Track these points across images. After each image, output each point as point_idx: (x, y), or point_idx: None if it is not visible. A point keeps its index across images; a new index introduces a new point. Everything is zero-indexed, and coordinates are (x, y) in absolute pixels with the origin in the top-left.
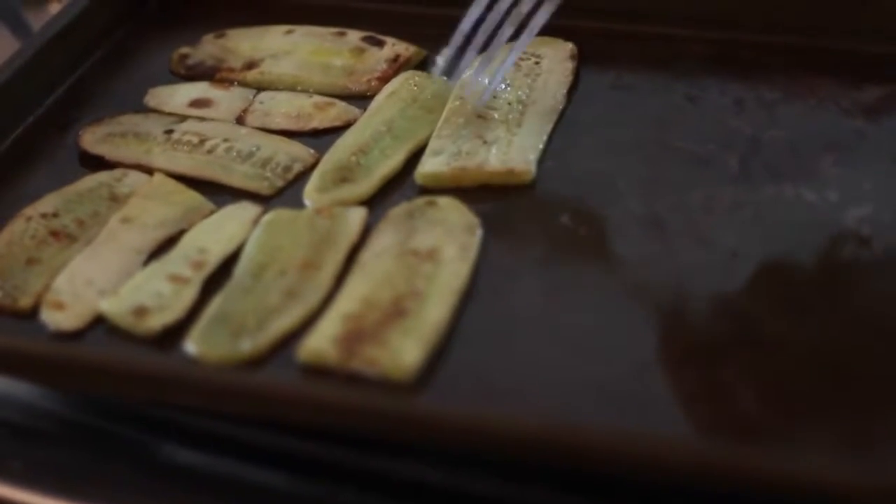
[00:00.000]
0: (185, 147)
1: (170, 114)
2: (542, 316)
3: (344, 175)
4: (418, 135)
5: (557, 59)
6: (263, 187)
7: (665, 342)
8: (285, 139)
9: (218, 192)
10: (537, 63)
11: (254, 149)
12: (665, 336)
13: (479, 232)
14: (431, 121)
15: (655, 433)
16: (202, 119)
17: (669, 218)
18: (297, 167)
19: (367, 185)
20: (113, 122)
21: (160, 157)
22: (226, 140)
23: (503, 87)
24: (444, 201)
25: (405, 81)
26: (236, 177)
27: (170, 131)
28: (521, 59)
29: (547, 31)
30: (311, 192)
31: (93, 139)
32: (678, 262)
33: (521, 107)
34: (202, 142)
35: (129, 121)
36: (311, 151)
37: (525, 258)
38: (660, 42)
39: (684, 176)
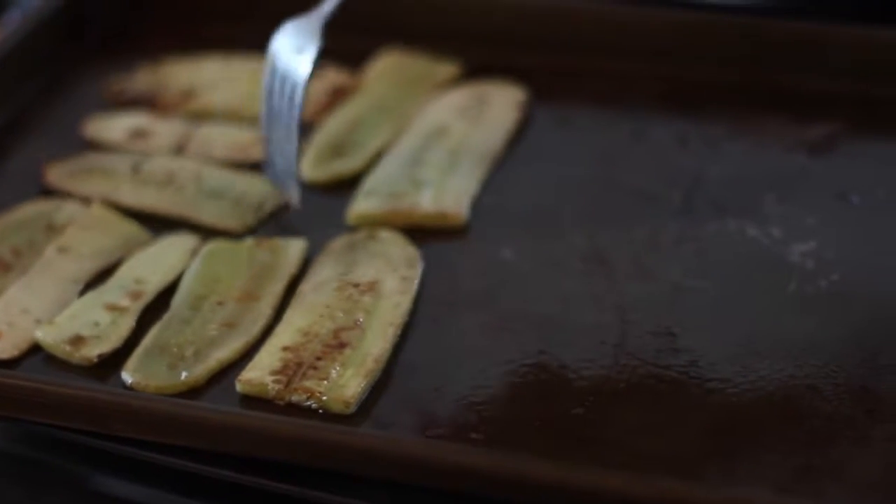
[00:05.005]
0: (154, 184)
1: (135, 151)
2: (484, 349)
3: (337, 150)
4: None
5: (504, 106)
6: (235, 225)
7: (608, 378)
8: (257, 177)
9: (184, 229)
10: (481, 110)
11: (225, 186)
12: (608, 372)
13: (419, 265)
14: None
15: (595, 468)
16: (168, 156)
17: (613, 253)
18: (269, 205)
19: (360, 159)
20: (78, 158)
21: (128, 193)
22: (196, 177)
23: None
24: (385, 234)
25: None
26: (206, 214)
27: (137, 168)
28: (467, 106)
29: (495, 69)
30: (307, 168)
31: (59, 175)
32: (622, 297)
33: (456, 152)
34: (171, 179)
35: (95, 157)
36: None
37: (467, 292)
38: (604, 79)
39: (628, 211)
